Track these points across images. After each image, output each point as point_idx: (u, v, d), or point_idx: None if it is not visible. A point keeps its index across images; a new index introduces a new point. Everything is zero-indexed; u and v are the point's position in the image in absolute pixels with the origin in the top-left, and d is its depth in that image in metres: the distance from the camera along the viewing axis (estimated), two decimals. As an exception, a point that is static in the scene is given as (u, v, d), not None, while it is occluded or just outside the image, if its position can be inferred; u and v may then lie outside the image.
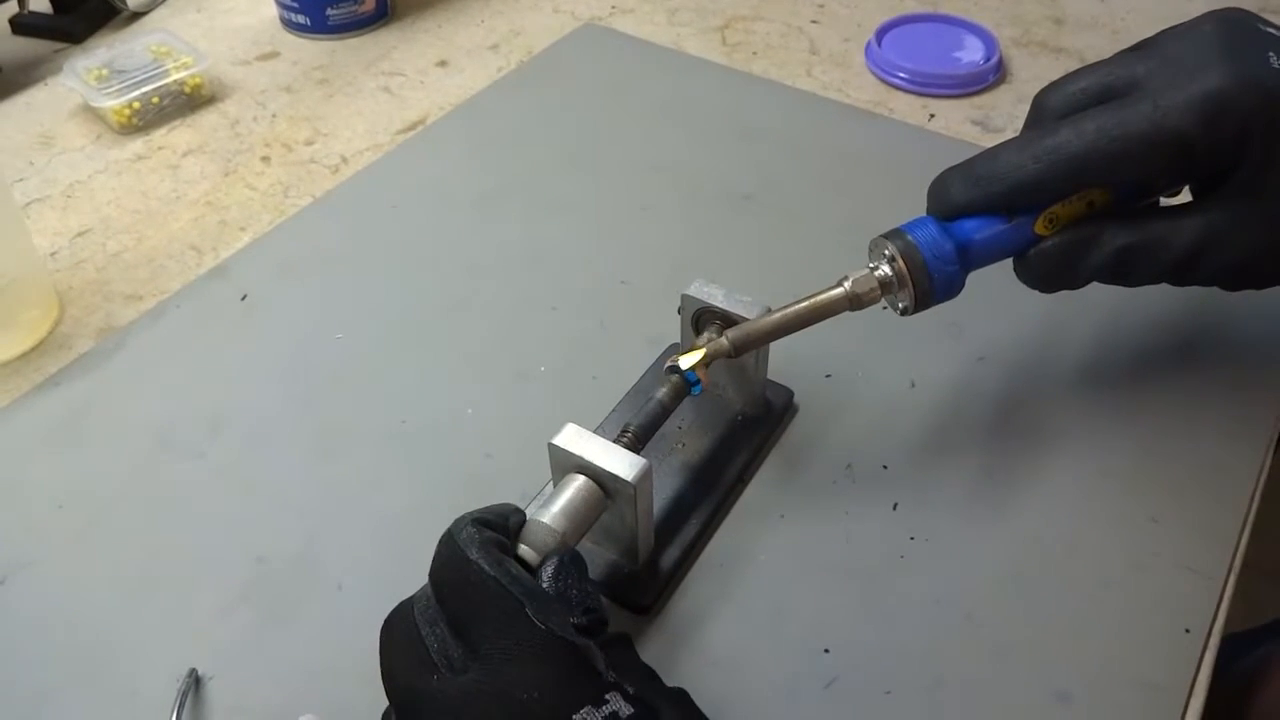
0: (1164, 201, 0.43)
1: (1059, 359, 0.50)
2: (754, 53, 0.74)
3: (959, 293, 0.41)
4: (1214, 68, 0.37)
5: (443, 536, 0.33)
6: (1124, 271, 0.40)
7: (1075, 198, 0.40)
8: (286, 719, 0.37)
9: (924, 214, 0.42)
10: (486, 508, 0.35)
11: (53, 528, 0.44)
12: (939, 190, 0.41)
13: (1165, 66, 0.38)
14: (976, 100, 0.69)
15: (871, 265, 0.41)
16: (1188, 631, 0.39)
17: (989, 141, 0.65)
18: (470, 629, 0.31)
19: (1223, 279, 0.41)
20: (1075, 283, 0.41)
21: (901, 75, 0.70)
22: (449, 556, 0.32)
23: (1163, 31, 0.40)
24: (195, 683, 0.38)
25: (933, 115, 0.68)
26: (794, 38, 0.76)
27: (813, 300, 0.41)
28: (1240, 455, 0.46)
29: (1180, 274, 0.41)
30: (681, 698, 0.33)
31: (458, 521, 0.34)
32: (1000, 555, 0.42)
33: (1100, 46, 0.74)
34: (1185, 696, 0.38)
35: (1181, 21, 0.41)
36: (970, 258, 0.40)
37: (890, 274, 0.40)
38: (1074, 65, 0.72)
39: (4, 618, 0.41)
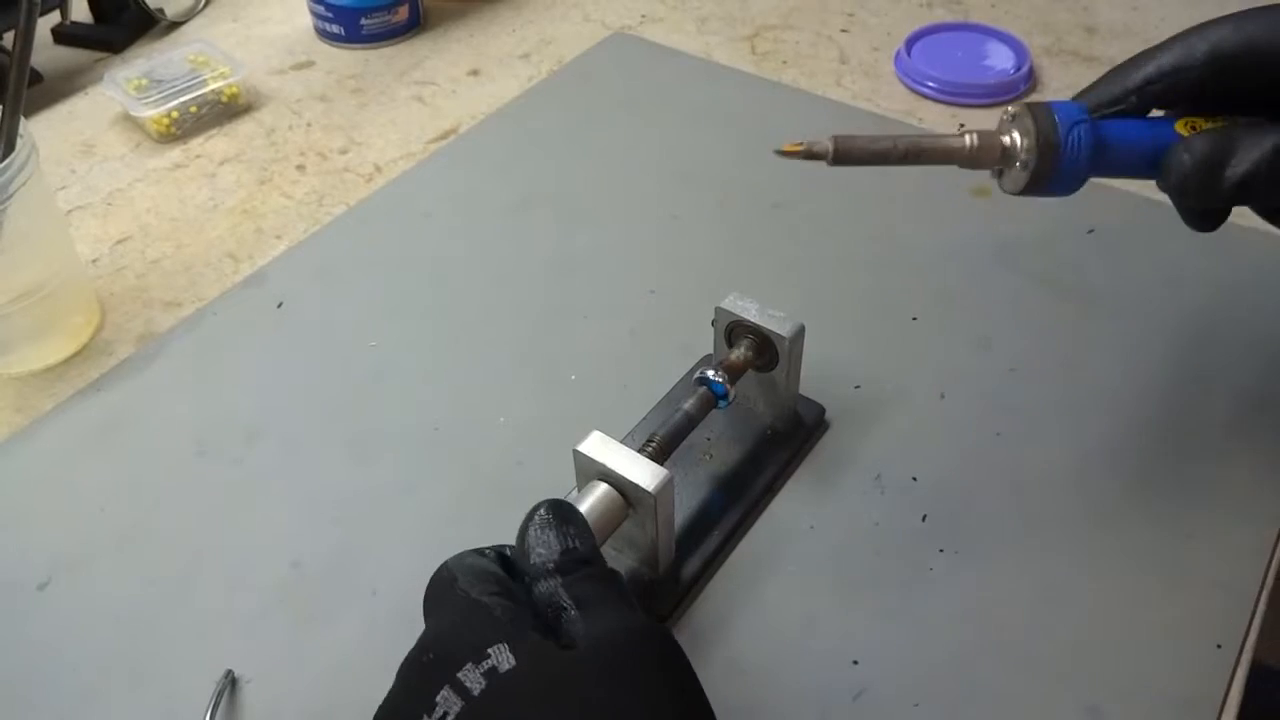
0: None
1: (1090, 372, 0.50)
2: (783, 62, 0.74)
3: (1078, 187, 0.38)
4: None
5: None
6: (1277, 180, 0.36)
7: (1223, 117, 0.38)
8: (322, 722, 0.38)
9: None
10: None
11: (95, 531, 0.45)
12: (1091, 86, 0.40)
13: None
14: (1007, 109, 0.69)
15: (1002, 130, 0.38)
16: (1219, 647, 0.39)
17: (1019, 151, 0.65)
18: (427, 614, 0.33)
19: None
20: (1219, 191, 0.37)
21: (931, 84, 0.70)
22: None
23: None
24: (231, 684, 0.39)
25: (963, 125, 0.68)
26: (823, 47, 0.76)
27: (934, 140, 0.38)
28: (1273, 471, 0.45)
29: None
30: (641, 634, 0.31)
31: None
32: (1030, 568, 0.42)
33: (1132, 55, 0.74)
34: (1216, 713, 0.38)
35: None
36: (1107, 152, 0.38)
37: (1018, 143, 0.38)
38: (1106, 75, 0.72)
39: (48, 619, 0.42)
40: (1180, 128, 0.38)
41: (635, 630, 0.31)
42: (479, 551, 0.35)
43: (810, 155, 0.38)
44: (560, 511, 0.35)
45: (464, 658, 0.29)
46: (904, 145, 0.38)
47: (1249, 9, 0.38)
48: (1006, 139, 0.38)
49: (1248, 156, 0.36)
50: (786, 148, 0.38)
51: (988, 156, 0.38)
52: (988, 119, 0.68)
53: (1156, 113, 0.40)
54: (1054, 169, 0.37)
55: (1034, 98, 0.70)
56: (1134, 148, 0.38)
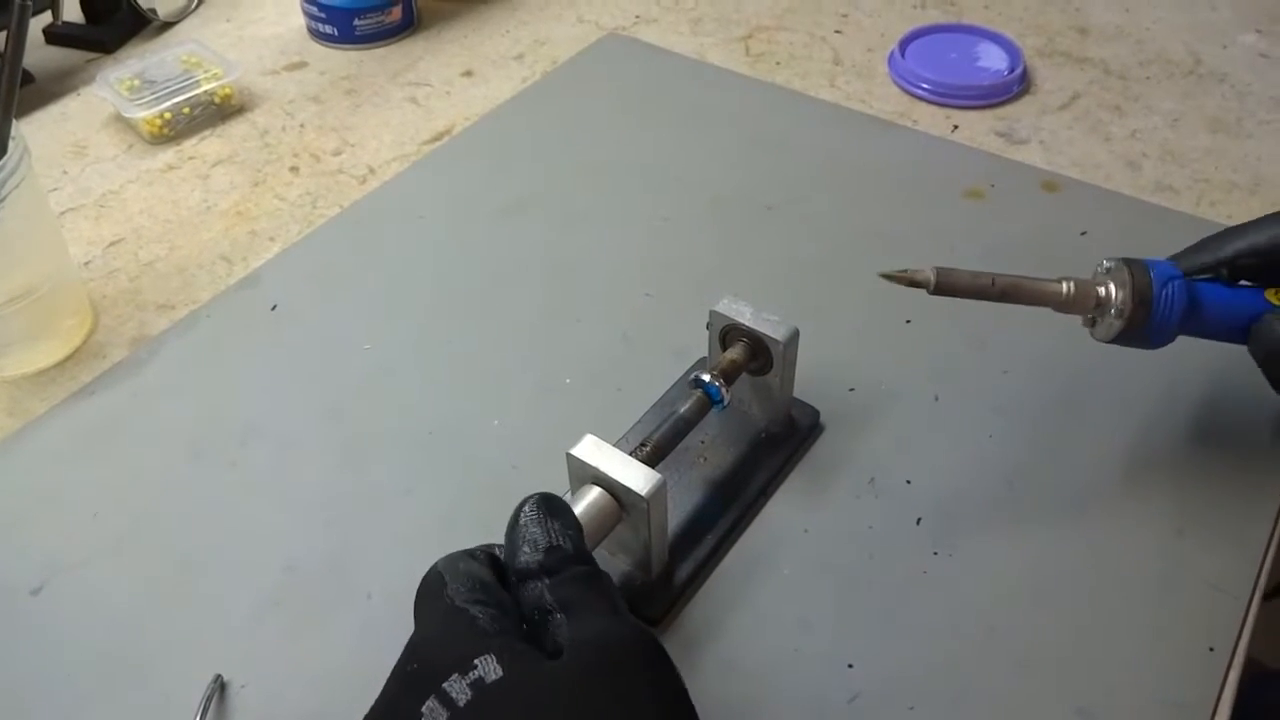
0: None
1: (1084, 372, 0.50)
2: (777, 63, 0.74)
3: (1167, 343, 0.41)
4: None
5: None
6: None
7: None
8: (316, 727, 0.37)
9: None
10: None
11: (88, 535, 0.44)
12: (1182, 251, 0.42)
13: None
14: (1000, 111, 0.69)
15: (1098, 281, 0.41)
16: (1211, 650, 0.39)
17: (1013, 152, 0.65)
18: (416, 617, 0.33)
19: None
20: None
21: (924, 86, 0.70)
22: None
23: None
24: (220, 689, 0.39)
25: (956, 126, 0.68)
26: (817, 48, 0.76)
27: (1032, 282, 0.41)
28: (1268, 470, 0.45)
29: None
30: (626, 640, 0.30)
31: None
32: (1024, 570, 0.42)
33: (1124, 57, 0.74)
34: (1209, 716, 0.38)
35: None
36: (1199, 311, 0.40)
37: (1114, 295, 0.40)
38: (1098, 75, 0.72)
39: (41, 624, 0.41)
40: (1272, 296, 0.40)
41: (620, 636, 0.31)
42: (470, 554, 0.35)
43: (912, 283, 0.40)
44: (548, 506, 0.35)
45: (450, 668, 0.29)
46: (1002, 283, 0.40)
47: None
48: (1102, 290, 0.40)
49: None
50: (892, 273, 0.40)
51: (1082, 304, 0.40)
52: (981, 120, 0.68)
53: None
54: (1147, 322, 0.40)
55: (1027, 99, 0.70)
56: (1225, 310, 0.41)
